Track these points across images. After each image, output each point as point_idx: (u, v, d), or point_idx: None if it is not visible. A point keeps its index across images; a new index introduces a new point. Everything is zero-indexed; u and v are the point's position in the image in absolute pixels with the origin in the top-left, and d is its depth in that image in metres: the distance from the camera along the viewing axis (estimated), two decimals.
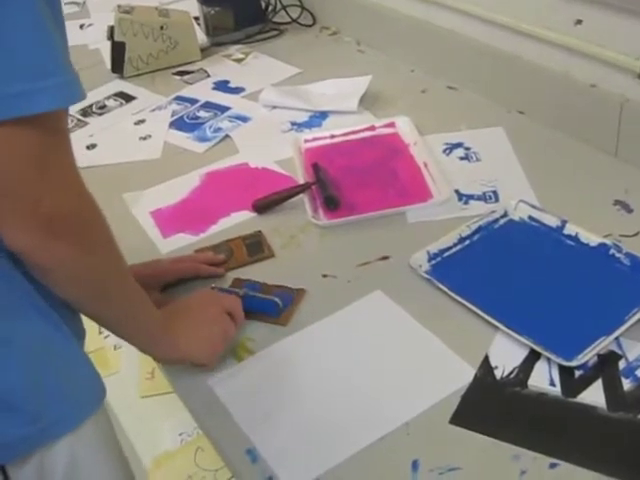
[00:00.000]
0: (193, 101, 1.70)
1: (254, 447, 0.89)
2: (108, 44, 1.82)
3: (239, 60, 1.89)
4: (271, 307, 1.06)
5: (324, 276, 1.13)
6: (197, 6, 1.97)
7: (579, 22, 1.34)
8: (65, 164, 0.73)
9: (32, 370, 0.80)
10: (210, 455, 0.99)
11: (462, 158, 1.39)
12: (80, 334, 0.92)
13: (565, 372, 0.94)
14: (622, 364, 0.94)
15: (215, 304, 1.00)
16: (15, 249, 0.73)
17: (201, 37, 1.94)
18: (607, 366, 0.94)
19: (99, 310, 0.86)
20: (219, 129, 1.57)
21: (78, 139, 1.53)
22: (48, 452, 0.83)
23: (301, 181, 1.34)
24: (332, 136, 1.48)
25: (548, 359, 0.95)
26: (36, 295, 0.81)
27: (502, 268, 1.11)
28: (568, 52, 1.38)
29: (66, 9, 2.26)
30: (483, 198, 1.27)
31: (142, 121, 1.63)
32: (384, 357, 0.99)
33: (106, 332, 1.00)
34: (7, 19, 0.65)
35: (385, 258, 1.15)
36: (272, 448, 0.89)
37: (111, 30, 1.79)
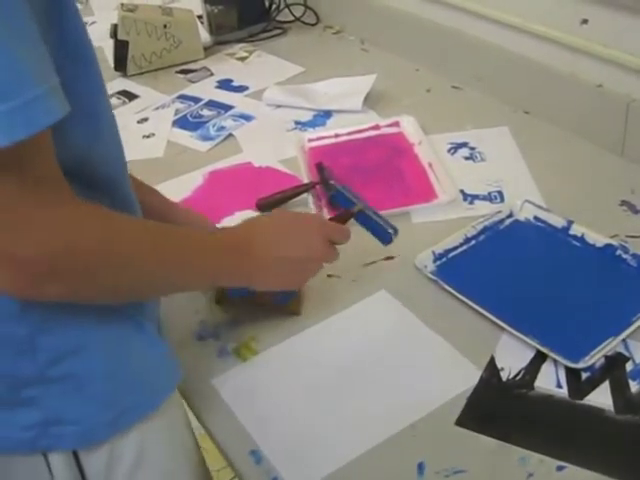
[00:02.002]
0: (196, 100, 1.70)
1: (258, 448, 0.88)
2: (111, 42, 1.81)
3: (243, 59, 1.89)
4: (382, 234, 1.05)
5: (329, 276, 1.12)
6: (200, 4, 1.96)
7: (585, 22, 1.34)
8: (37, 206, 0.66)
9: (110, 358, 0.80)
10: (212, 455, 0.98)
11: (467, 158, 1.38)
12: (153, 316, 0.90)
13: (572, 374, 0.93)
14: (629, 366, 0.94)
15: (316, 241, 0.95)
16: (22, 298, 0.72)
17: (204, 36, 1.94)
18: (614, 368, 0.93)
19: (148, 294, 0.85)
20: (222, 128, 1.56)
21: None
22: (120, 439, 0.83)
23: (305, 180, 1.33)
24: (336, 135, 1.47)
25: (555, 361, 0.94)
26: None
27: (508, 269, 1.10)
28: (574, 52, 1.37)
29: None
30: (488, 198, 1.26)
31: (145, 119, 1.63)
32: (389, 358, 0.99)
33: None
34: None
35: (390, 258, 1.15)
36: (276, 449, 0.88)
37: (114, 28, 1.79)
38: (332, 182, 1.12)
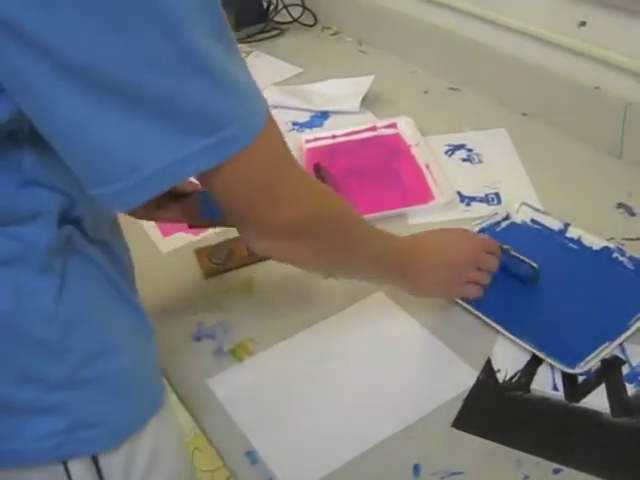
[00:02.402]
0: None
1: (254, 449, 0.88)
2: None
3: None
4: (526, 271, 1.07)
5: (325, 277, 1.12)
6: None
7: (583, 24, 1.34)
8: (292, 181, 0.77)
9: (132, 355, 0.81)
10: (208, 455, 0.98)
11: (464, 159, 1.38)
12: None
13: (568, 377, 0.93)
14: (626, 369, 0.94)
15: (471, 245, 1.02)
16: (258, 252, 0.83)
17: None
18: (611, 371, 0.93)
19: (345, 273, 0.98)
20: None
21: None
22: (136, 439, 0.82)
23: None
24: (333, 136, 1.47)
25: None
26: (120, 282, 0.81)
27: (504, 271, 1.10)
28: (572, 54, 1.37)
29: None
30: (485, 200, 1.26)
31: None
32: (385, 359, 0.98)
33: None
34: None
35: None
36: (272, 450, 0.88)
37: None
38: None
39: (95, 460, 0.79)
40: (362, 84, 1.61)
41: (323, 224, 0.82)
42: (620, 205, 1.21)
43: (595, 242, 1.12)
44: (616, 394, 0.91)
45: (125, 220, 1.23)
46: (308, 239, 0.81)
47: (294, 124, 1.55)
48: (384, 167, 1.37)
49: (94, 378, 0.77)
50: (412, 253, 0.97)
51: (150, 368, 0.84)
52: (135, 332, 0.82)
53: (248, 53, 1.90)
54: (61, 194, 0.72)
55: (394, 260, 0.95)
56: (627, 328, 0.97)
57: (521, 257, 1.07)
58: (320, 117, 1.57)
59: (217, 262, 1.16)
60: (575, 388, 0.92)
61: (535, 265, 1.05)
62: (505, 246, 1.08)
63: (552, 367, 0.94)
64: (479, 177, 1.32)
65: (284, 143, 0.75)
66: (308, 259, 0.85)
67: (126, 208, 0.68)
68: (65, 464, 0.78)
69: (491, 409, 0.91)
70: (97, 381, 0.77)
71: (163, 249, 1.22)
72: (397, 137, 1.46)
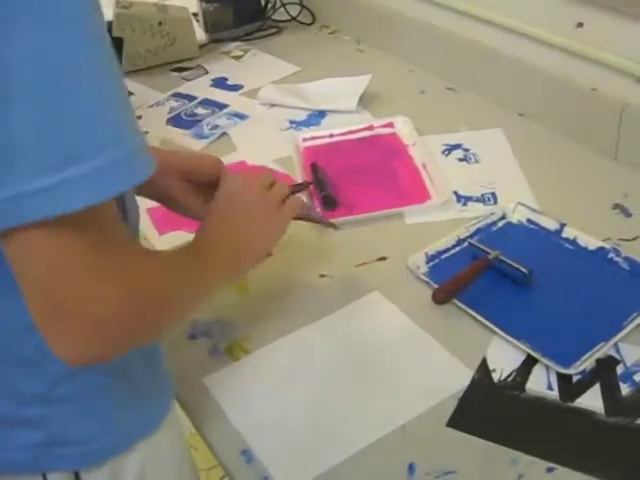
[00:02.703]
0: (191, 98, 1.69)
1: (249, 447, 0.88)
2: None
3: (238, 57, 1.89)
4: (518, 276, 1.06)
5: (321, 276, 1.12)
6: (196, 2, 1.96)
7: (580, 25, 1.34)
8: (116, 259, 0.64)
9: (119, 376, 0.79)
10: (203, 454, 0.98)
11: (461, 159, 1.38)
12: None
13: (563, 376, 0.93)
14: (620, 369, 0.94)
15: (253, 186, 0.95)
16: (73, 362, 0.66)
17: (200, 33, 1.93)
18: (605, 371, 0.94)
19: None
20: (217, 126, 1.56)
21: None
22: (122, 458, 0.81)
23: (299, 180, 1.33)
24: (331, 135, 1.47)
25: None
26: None
27: (498, 272, 1.10)
28: (569, 55, 1.38)
29: None
30: (482, 200, 1.26)
31: (139, 117, 1.62)
32: (381, 359, 0.99)
33: None
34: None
35: (383, 259, 1.15)
36: (267, 449, 0.88)
37: (109, 25, 1.78)
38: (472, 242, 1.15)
39: (77, 476, 0.79)
40: (359, 83, 1.61)
41: (142, 306, 0.67)
42: (616, 206, 1.22)
43: (591, 242, 1.12)
44: (610, 394, 0.91)
45: None
46: (131, 326, 0.67)
47: (291, 122, 1.55)
48: (381, 166, 1.38)
49: (73, 396, 0.76)
50: (221, 243, 0.88)
51: (141, 391, 0.82)
52: (132, 355, 0.77)
53: (245, 51, 1.90)
54: None
55: (218, 265, 0.85)
56: (622, 328, 0.98)
57: (511, 262, 1.07)
58: (317, 116, 1.57)
59: None
60: (570, 388, 0.92)
61: (525, 271, 1.06)
62: (495, 251, 1.08)
63: (547, 367, 0.94)
64: (476, 177, 1.32)
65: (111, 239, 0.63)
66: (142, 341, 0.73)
67: None
68: (44, 476, 0.78)
69: (486, 409, 0.91)
70: (77, 399, 0.76)
71: (159, 247, 1.22)
72: (394, 137, 1.46)
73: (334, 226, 1.13)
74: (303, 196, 0.99)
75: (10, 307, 0.69)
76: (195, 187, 0.99)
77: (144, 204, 1.30)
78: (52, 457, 0.77)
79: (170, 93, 1.72)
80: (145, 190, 0.98)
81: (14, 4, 0.54)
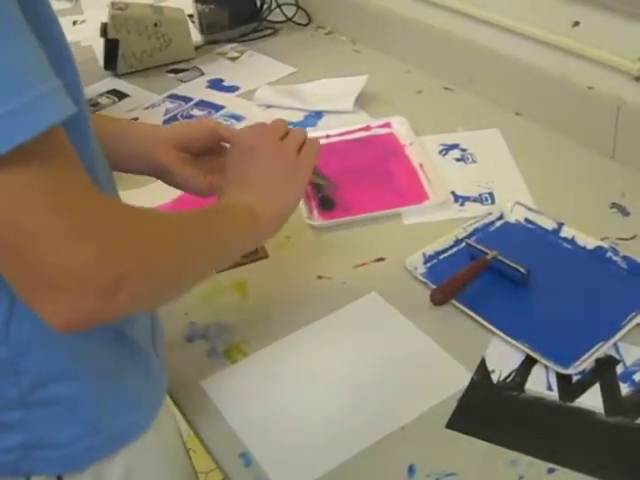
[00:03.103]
0: (187, 99, 1.69)
1: (247, 451, 0.88)
2: (101, 41, 1.80)
3: (234, 58, 1.88)
4: (516, 276, 1.06)
5: (319, 277, 1.12)
6: (191, 3, 1.96)
7: (577, 24, 1.34)
8: (89, 204, 0.60)
9: (100, 379, 0.77)
10: (202, 457, 0.97)
11: (458, 159, 1.38)
12: (145, 329, 0.84)
13: (563, 377, 0.93)
14: (620, 368, 0.94)
15: (266, 138, 0.92)
16: (71, 329, 0.62)
17: (195, 35, 1.93)
18: (605, 371, 0.93)
19: (206, 274, 0.80)
20: None
21: None
22: (106, 462, 0.80)
23: None
24: (327, 136, 1.47)
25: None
26: None
27: (496, 272, 1.10)
28: (565, 54, 1.37)
29: (59, 5, 2.24)
30: (479, 200, 1.26)
31: (135, 119, 1.62)
32: (379, 360, 0.98)
33: None
34: None
35: (381, 260, 1.14)
36: (266, 452, 0.87)
37: (104, 27, 1.78)
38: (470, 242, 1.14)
39: (60, 479, 0.78)
40: (356, 84, 1.61)
41: (143, 260, 0.64)
42: (614, 205, 1.21)
43: (589, 242, 1.12)
44: (610, 394, 0.91)
45: None
46: (132, 284, 0.62)
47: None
48: (378, 167, 1.37)
49: (51, 400, 0.74)
50: (245, 197, 0.86)
51: (126, 394, 0.80)
52: (106, 358, 0.78)
53: (241, 53, 1.90)
54: None
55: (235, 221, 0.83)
56: (621, 327, 0.97)
57: (509, 262, 1.07)
58: (314, 117, 1.57)
59: None
60: (569, 388, 0.92)
61: (523, 270, 1.05)
62: (493, 251, 1.08)
63: (546, 367, 0.94)
64: (473, 177, 1.32)
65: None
66: (137, 306, 0.68)
67: None
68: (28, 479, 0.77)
69: (485, 409, 0.91)
70: (55, 403, 0.75)
71: None
72: (391, 137, 1.46)
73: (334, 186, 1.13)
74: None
75: None
76: (192, 158, 0.96)
77: (143, 205, 1.30)
78: (34, 460, 0.76)
79: (166, 95, 1.72)
80: (139, 165, 0.96)
81: None
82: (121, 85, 1.78)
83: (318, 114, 1.58)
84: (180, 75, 1.81)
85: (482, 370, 0.95)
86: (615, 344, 0.96)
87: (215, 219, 0.81)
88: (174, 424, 0.91)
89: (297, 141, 0.93)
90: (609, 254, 1.09)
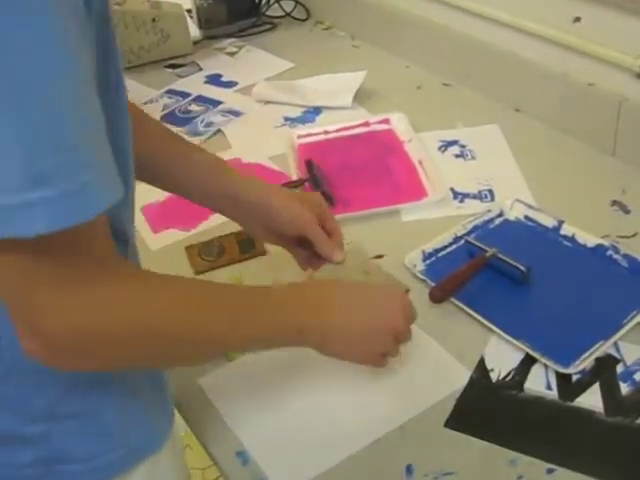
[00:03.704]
0: (185, 95, 1.68)
1: (244, 449, 0.87)
2: None
3: (232, 54, 1.87)
4: (515, 274, 1.05)
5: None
6: None
7: (578, 20, 1.33)
8: (86, 285, 0.61)
9: (124, 391, 0.76)
10: (198, 453, 0.97)
11: (457, 156, 1.37)
12: None
13: (562, 376, 0.92)
14: (620, 368, 0.93)
15: (398, 312, 0.85)
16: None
17: (193, 30, 1.92)
18: (605, 370, 0.93)
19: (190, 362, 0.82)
20: (211, 123, 1.55)
21: None
22: (126, 475, 0.79)
23: (294, 177, 1.32)
24: (326, 132, 1.46)
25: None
26: None
27: (496, 270, 1.09)
28: (566, 50, 1.36)
29: None
30: (479, 197, 1.25)
31: None
32: None
33: None
34: None
35: (379, 257, 1.13)
36: (263, 451, 0.87)
37: None
38: (469, 239, 1.13)
39: None
40: (355, 79, 1.60)
41: (109, 344, 0.64)
42: (614, 202, 1.21)
43: (589, 239, 1.11)
44: (610, 393, 0.90)
45: None
46: (96, 359, 0.65)
47: (286, 119, 1.54)
48: (377, 163, 1.36)
49: (77, 412, 0.74)
50: (319, 314, 0.81)
51: (146, 407, 0.80)
52: (136, 371, 0.78)
53: (240, 48, 1.89)
54: None
55: (286, 321, 0.79)
56: (621, 326, 0.97)
57: (508, 260, 1.06)
58: (312, 112, 1.56)
59: (208, 259, 1.15)
60: (569, 387, 0.91)
61: (523, 268, 1.05)
62: (492, 249, 1.07)
63: (546, 366, 0.93)
64: (472, 173, 1.31)
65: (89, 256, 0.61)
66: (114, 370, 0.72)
67: None
68: None
69: (484, 408, 0.90)
70: (80, 416, 0.74)
71: (153, 246, 1.20)
72: (390, 133, 1.45)
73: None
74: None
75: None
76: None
77: (137, 202, 1.28)
78: (56, 475, 0.75)
79: (164, 90, 1.71)
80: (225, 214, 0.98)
81: None
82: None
83: (317, 110, 1.57)
84: (178, 70, 1.80)
85: (481, 369, 0.94)
86: (615, 343, 0.95)
87: (257, 306, 0.77)
88: (180, 443, 0.90)
89: (406, 340, 0.88)
90: (610, 252, 1.09)
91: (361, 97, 1.57)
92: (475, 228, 1.16)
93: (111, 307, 0.63)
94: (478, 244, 1.10)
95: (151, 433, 0.81)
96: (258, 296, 0.78)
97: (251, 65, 1.81)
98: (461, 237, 1.14)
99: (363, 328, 0.83)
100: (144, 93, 1.70)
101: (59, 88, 0.53)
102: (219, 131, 1.52)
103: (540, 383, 0.92)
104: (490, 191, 1.26)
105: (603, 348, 0.94)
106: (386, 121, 1.47)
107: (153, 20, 1.79)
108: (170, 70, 1.81)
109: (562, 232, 1.14)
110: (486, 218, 1.18)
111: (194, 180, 0.94)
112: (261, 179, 0.97)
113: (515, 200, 1.20)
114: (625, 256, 1.07)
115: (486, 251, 1.08)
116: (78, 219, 0.55)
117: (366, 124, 1.47)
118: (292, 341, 0.81)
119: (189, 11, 1.94)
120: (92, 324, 0.62)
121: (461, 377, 0.93)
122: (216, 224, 1.22)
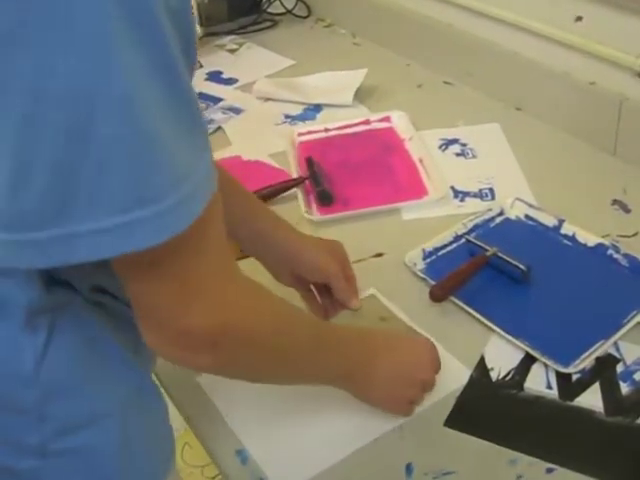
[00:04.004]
0: None
1: (244, 448, 0.87)
2: None
3: (233, 51, 1.87)
4: (516, 273, 1.05)
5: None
6: None
7: (579, 19, 1.33)
8: (216, 287, 0.64)
9: (125, 429, 0.73)
10: (197, 451, 0.97)
11: (458, 154, 1.37)
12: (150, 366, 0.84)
13: (562, 375, 0.92)
14: (620, 367, 0.93)
15: (430, 365, 0.89)
16: (165, 359, 0.71)
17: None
18: (605, 370, 0.93)
19: (285, 381, 0.85)
20: (211, 121, 1.54)
21: None
22: None
23: (294, 175, 1.32)
24: (326, 130, 1.46)
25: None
26: (121, 347, 0.73)
27: (496, 269, 1.09)
28: (567, 49, 1.36)
29: None
30: (479, 195, 1.25)
31: None
32: None
33: None
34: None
35: (379, 255, 1.13)
36: (262, 449, 0.87)
37: None
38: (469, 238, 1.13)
39: None
40: (356, 77, 1.59)
41: (240, 342, 0.69)
42: (615, 202, 1.21)
43: (590, 239, 1.11)
44: (610, 393, 0.90)
45: None
46: (219, 353, 0.68)
47: (286, 117, 1.54)
48: (377, 161, 1.36)
49: (71, 450, 0.70)
50: (369, 359, 0.85)
51: (147, 443, 0.77)
52: (132, 404, 0.74)
53: (240, 45, 1.89)
54: None
55: (341, 366, 0.84)
56: (622, 326, 0.96)
57: (509, 259, 1.06)
58: (313, 110, 1.56)
59: None
60: (569, 387, 0.91)
61: (523, 267, 1.04)
62: (492, 248, 1.07)
63: (546, 365, 0.93)
64: (473, 172, 1.31)
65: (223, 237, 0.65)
66: (217, 371, 0.75)
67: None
68: None
69: (484, 408, 0.90)
70: (74, 454, 0.70)
71: None
72: (390, 131, 1.45)
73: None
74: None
75: (16, 355, 0.66)
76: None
77: None
78: None
79: None
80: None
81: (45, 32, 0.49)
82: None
83: (317, 107, 1.57)
84: None
85: (481, 368, 0.94)
86: (615, 343, 0.95)
87: (327, 343, 0.82)
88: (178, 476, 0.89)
89: (431, 389, 0.91)
90: (610, 251, 1.09)
91: (362, 95, 1.57)
92: (475, 227, 1.16)
93: (249, 304, 0.68)
94: (478, 243, 1.10)
95: (153, 465, 0.78)
96: (333, 333, 0.84)
97: (252, 62, 1.80)
98: (461, 236, 1.14)
99: (399, 381, 0.87)
100: None
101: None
102: (219, 128, 1.52)
103: (540, 382, 0.92)
104: (491, 190, 1.26)
105: (603, 347, 0.94)
106: (387, 119, 1.47)
107: None
108: None
109: (562, 231, 1.14)
110: (486, 217, 1.18)
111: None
112: (291, 225, 0.99)
113: (516, 199, 1.20)
114: (625, 255, 1.07)
115: (486, 250, 1.07)
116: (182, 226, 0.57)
117: (367, 122, 1.47)
118: (335, 382, 0.85)
119: None
120: (229, 318, 0.66)
121: (461, 376, 0.93)
122: None
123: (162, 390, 0.93)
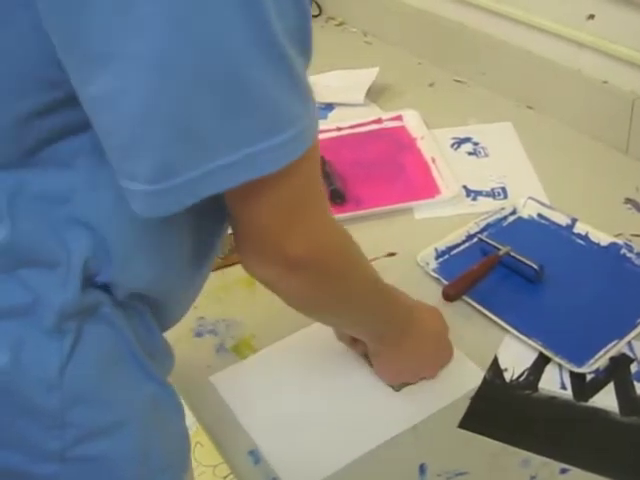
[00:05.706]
0: None
1: (257, 448, 0.87)
2: None
3: None
4: (529, 272, 1.05)
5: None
6: None
7: (591, 17, 1.32)
8: (315, 214, 0.70)
9: (146, 437, 0.73)
10: (209, 451, 0.97)
11: (470, 153, 1.36)
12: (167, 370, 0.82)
13: (576, 375, 0.92)
14: (634, 367, 0.93)
15: (445, 354, 0.96)
16: (256, 278, 0.75)
17: None
18: (619, 369, 0.92)
19: (357, 322, 0.87)
20: None
21: None
22: None
23: None
24: (338, 129, 1.46)
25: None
26: (141, 353, 0.72)
27: (509, 269, 1.08)
28: (579, 47, 1.36)
29: None
30: (492, 194, 1.25)
31: None
32: None
33: None
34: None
35: (392, 255, 1.13)
36: (275, 450, 0.87)
37: None
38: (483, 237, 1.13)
39: None
40: (367, 76, 1.59)
41: (335, 266, 0.74)
42: (628, 200, 1.20)
43: (603, 238, 1.11)
44: (625, 393, 0.90)
45: None
46: (309, 275, 0.72)
47: None
48: (389, 160, 1.36)
49: (91, 457, 0.69)
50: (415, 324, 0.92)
51: (165, 452, 0.76)
52: (150, 411, 0.73)
53: None
54: (92, 240, 0.65)
55: (398, 326, 0.90)
56: (636, 325, 0.96)
57: (522, 259, 1.05)
58: (324, 109, 1.56)
59: (219, 256, 1.15)
60: (583, 387, 0.91)
61: (536, 267, 1.04)
62: (505, 247, 1.07)
63: (560, 366, 0.93)
64: (485, 171, 1.31)
65: (317, 185, 0.70)
66: (304, 297, 0.77)
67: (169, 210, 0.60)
68: None
69: (498, 409, 0.90)
70: (94, 461, 0.70)
71: None
72: (402, 130, 1.44)
73: None
74: None
75: (42, 359, 0.66)
76: None
77: None
78: None
79: None
80: None
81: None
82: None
83: (329, 106, 1.56)
84: None
85: (495, 368, 0.94)
86: (629, 342, 0.95)
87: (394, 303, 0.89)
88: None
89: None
90: (623, 250, 1.08)
91: (373, 94, 1.57)
92: (488, 226, 1.16)
93: (344, 238, 0.76)
94: (491, 242, 1.09)
95: (173, 471, 0.77)
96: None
97: None
98: (474, 235, 1.14)
99: (432, 339, 0.94)
100: None
101: None
102: None
103: (554, 383, 0.92)
104: (503, 189, 1.25)
105: (617, 347, 0.94)
106: (399, 118, 1.46)
107: None
108: None
109: (575, 230, 1.13)
110: (499, 216, 1.18)
111: None
112: None
113: (528, 198, 1.19)
114: (639, 254, 1.07)
115: (499, 249, 1.07)
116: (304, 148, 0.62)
117: (378, 121, 1.47)
118: (392, 332, 0.90)
119: None
120: (334, 247, 0.73)
121: (475, 377, 0.93)
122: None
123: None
